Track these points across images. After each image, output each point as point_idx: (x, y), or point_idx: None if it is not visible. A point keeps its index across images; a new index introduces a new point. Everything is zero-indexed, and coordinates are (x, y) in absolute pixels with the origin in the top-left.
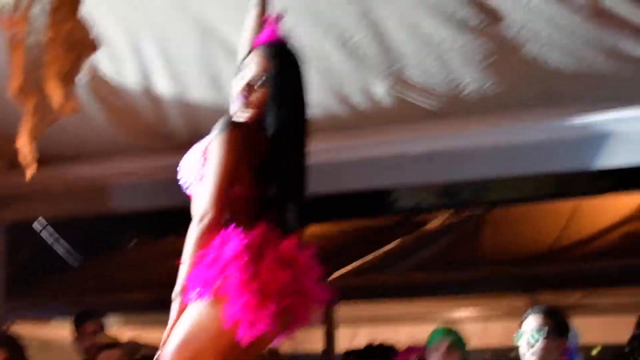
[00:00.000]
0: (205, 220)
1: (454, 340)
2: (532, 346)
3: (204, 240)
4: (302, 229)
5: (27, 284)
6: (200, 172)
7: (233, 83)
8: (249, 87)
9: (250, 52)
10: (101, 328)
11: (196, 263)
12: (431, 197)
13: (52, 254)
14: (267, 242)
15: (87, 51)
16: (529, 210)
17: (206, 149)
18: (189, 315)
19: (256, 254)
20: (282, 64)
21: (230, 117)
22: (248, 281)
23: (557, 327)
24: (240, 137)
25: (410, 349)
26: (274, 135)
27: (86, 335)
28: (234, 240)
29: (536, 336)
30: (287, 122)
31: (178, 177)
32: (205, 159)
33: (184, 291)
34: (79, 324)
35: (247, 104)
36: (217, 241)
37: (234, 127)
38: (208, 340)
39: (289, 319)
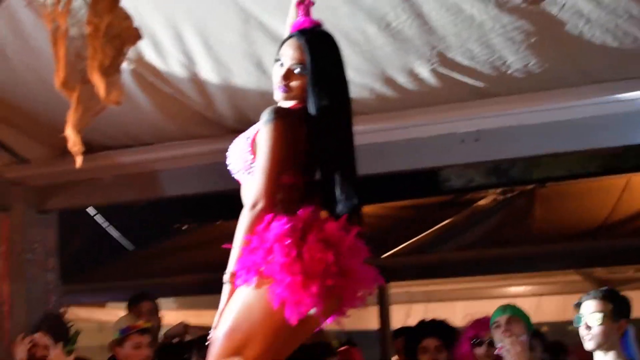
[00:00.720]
0: (257, 208)
1: (513, 313)
2: (591, 330)
3: (254, 226)
4: (353, 211)
5: (81, 269)
6: (247, 160)
7: (273, 72)
8: (288, 76)
9: (286, 39)
10: (155, 309)
11: (245, 248)
12: (481, 176)
13: (105, 240)
14: (311, 224)
15: (129, 41)
16: (580, 186)
17: (254, 137)
18: (238, 298)
19: (299, 236)
20: (318, 51)
21: (277, 106)
22: (292, 262)
23: (615, 310)
24: (288, 125)
25: (478, 323)
26: (316, 121)
27: (141, 315)
28: (278, 224)
29: (594, 321)
30: (328, 108)
31: (226, 163)
32: (252, 147)
33: (234, 275)
34: (134, 304)
35: (287, 93)
36: (262, 226)
37: (281, 116)
38: (258, 322)
39: (335, 300)
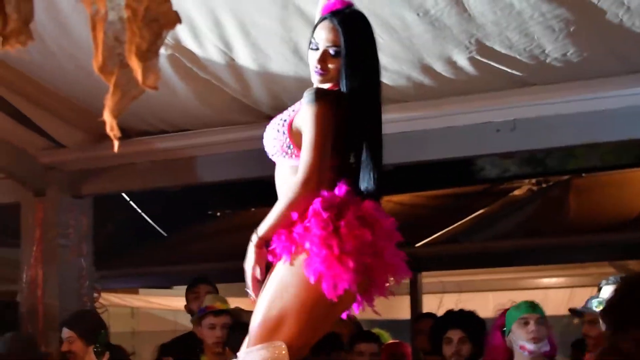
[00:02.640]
0: (307, 185)
1: (543, 315)
2: None
3: (301, 203)
4: (380, 195)
5: (114, 255)
6: (284, 143)
7: (308, 56)
8: (324, 59)
9: (319, 22)
10: (215, 292)
11: (285, 223)
12: (516, 166)
13: (139, 225)
14: (348, 202)
15: (167, 25)
16: (615, 177)
17: (291, 119)
18: (275, 275)
19: (336, 212)
20: (352, 32)
21: (318, 87)
22: (328, 236)
23: None
24: (330, 105)
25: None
26: (352, 103)
27: (200, 298)
28: (316, 200)
29: None
30: (363, 90)
31: (261, 150)
32: (289, 129)
33: (262, 240)
34: (192, 287)
35: (324, 76)
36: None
37: (323, 96)
38: (294, 297)
39: (367, 280)
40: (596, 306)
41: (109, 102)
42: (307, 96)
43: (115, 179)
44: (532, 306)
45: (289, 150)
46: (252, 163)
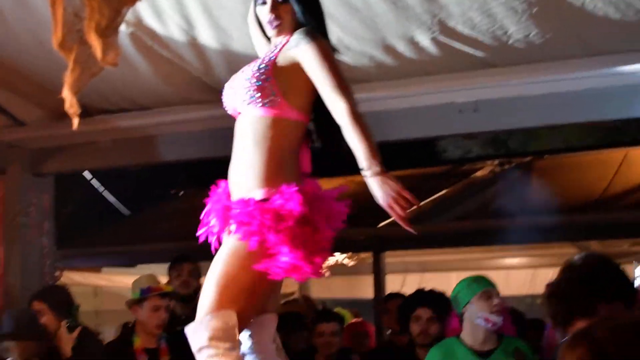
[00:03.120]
0: (357, 112)
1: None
2: None
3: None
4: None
5: (77, 233)
6: (264, 89)
7: (259, 14)
8: (275, 7)
9: None
10: (197, 271)
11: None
12: (478, 147)
13: (101, 204)
14: (315, 196)
15: (127, 3)
16: (578, 159)
17: (271, 65)
18: (225, 249)
19: (307, 211)
20: None
21: (309, 28)
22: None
23: None
24: (328, 44)
25: None
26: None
27: (182, 276)
28: (290, 194)
29: None
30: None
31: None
32: (272, 71)
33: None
34: (175, 264)
35: (280, 24)
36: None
37: (321, 36)
38: (243, 270)
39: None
40: None
41: (68, 79)
42: (305, 36)
43: (77, 157)
44: (487, 280)
45: (269, 99)
46: (213, 142)
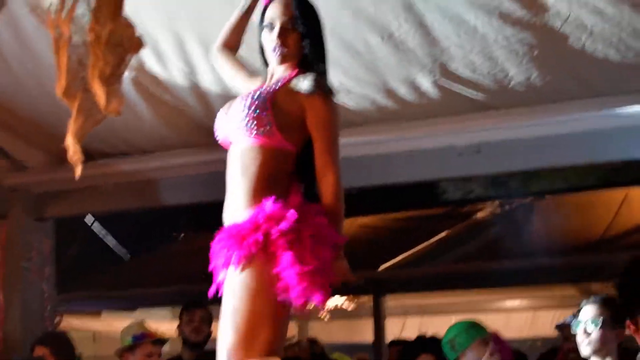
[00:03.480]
0: (334, 180)
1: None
2: (589, 336)
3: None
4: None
5: (77, 278)
6: (261, 119)
7: (262, 39)
8: (283, 34)
9: (265, 9)
10: (209, 318)
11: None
12: (479, 188)
13: (102, 248)
14: (306, 218)
15: (131, 50)
16: (579, 199)
17: (271, 96)
18: (234, 285)
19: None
20: (305, 4)
21: (325, 79)
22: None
23: (614, 317)
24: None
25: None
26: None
27: (194, 323)
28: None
29: (592, 326)
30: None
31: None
32: (269, 105)
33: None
34: (187, 310)
35: (285, 53)
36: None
37: (333, 93)
38: (265, 302)
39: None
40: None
41: (71, 127)
42: (320, 87)
43: (78, 201)
44: (481, 328)
45: (264, 129)
46: (214, 185)
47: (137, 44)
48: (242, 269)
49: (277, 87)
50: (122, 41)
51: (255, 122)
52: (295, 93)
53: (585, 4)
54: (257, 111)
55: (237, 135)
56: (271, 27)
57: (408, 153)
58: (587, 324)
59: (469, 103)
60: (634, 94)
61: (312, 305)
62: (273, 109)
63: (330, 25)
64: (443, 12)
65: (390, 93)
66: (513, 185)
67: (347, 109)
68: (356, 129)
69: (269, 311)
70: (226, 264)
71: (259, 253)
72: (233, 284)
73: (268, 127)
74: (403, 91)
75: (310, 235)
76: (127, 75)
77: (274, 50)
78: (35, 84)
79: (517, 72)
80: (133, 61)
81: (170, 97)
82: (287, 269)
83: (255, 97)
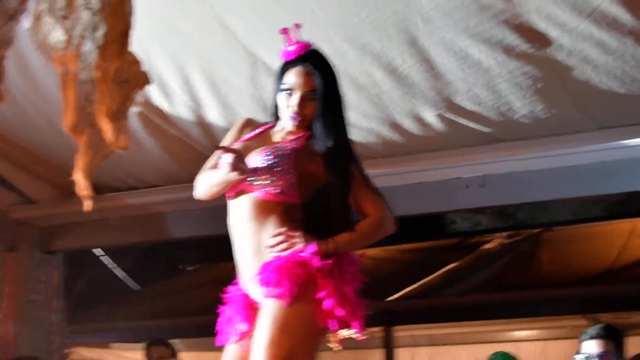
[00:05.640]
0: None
1: None
2: None
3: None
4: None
5: (87, 310)
6: (286, 178)
7: (278, 101)
8: (303, 104)
9: (287, 67)
10: (170, 354)
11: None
12: (487, 220)
13: (111, 281)
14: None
15: (137, 86)
16: (587, 231)
17: (293, 156)
18: (274, 316)
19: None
20: (326, 75)
21: (352, 144)
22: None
23: (617, 349)
24: None
25: None
26: (330, 158)
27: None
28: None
29: None
30: (343, 135)
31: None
32: (293, 162)
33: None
34: (148, 348)
35: (302, 121)
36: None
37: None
38: (303, 339)
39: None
40: None
41: (79, 162)
42: (349, 151)
43: (86, 234)
44: (506, 356)
45: (285, 188)
46: (220, 219)
47: (143, 80)
48: (286, 303)
49: (298, 146)
50: (128, 78)
51: (279, 181)
52: (315, 154)
53: (588, 37)
54: (282, 170)
55: (252, 187)
56: (290, 92)
57: (414, 186)
58: (591, 358)
59: (474, 136)
60: (638, 126)
61: (347, 332)
62: (295, 168)
63: (335, 60)
64: (447, 46)
65: (395, 126)
66: (521, 216)
67: (353, 143)
68: (363, 163)
69: (306, 348)
70: (268, 296)
71: (303, 287)
72: (274, 316)
73: (289, 186)
74: (408, 125)
75: (346, 269)
76: (133, 110)
77: (292, 117)
78: (43, 119)
79: (521, 105)
80: (139, 96)
81: (177, 131)
82: (329, 298)
83: (279, 155)
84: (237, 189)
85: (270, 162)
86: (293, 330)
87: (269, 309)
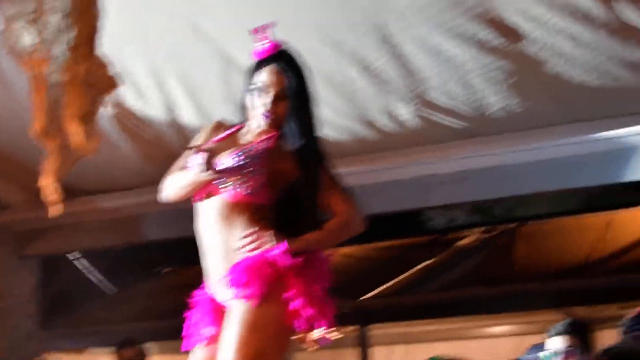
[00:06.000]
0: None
1: None
2: None
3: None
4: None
5: (62, 314)
6: (255, 175)
7: (248, 100)
8: (276, 103)
9: (259, 66)
10: (141, 356)
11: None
12: (463, 216)
13: (86, 284)
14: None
15: (106, 90)
16: (561, 225)
17: (262, 150)
18: (242, 317)
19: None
20: (297, 73)
21: (322, 143)
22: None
23: (583, 344)
24: None
25: None
26: (304, 149)
27: None
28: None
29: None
30: (311, 143)
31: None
32: (264, 159)
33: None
34: (118, 351)
35: (274, 120)
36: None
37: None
38: (272, 338)
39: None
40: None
41: (49, 166)
42: (319, 150)
43: (61, 238)
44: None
45: (255, 188)
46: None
47: (111, 83)
48: (254, 304)
49: (269, 146)
50: (97, 81)
51: (249, 181)
52: (286, 153)
53: (560, 31)
54: (252, 171)
55: (220, 187)
56: (262, 91)
57: (389, 183)
58: (557, 354)
59: (449, 131)
60: (612, 119)
61: (319, 332)
62: (265, 167)
63: (309, 58)
64: (421, 42)
65: (370, 124)
66: (497, 211)
67: (328, 141)
68: (336, 161)
69: (276, 348)
70: (237, 296)
71: (272, 287)
72: (243, 316)
73: (259, 186)
74: (383, 121)
75: (315, 268)
76: (107, 112)
77: (265, 115)
78: (16, 122)
79: (496, 100)
80: (113, 98)
81: (150, 132)
82: (297, 297)
83: (250, 155)
84: (205, 191)
85: (241, 163)
86: (262, 329)
87: (238, 310)
